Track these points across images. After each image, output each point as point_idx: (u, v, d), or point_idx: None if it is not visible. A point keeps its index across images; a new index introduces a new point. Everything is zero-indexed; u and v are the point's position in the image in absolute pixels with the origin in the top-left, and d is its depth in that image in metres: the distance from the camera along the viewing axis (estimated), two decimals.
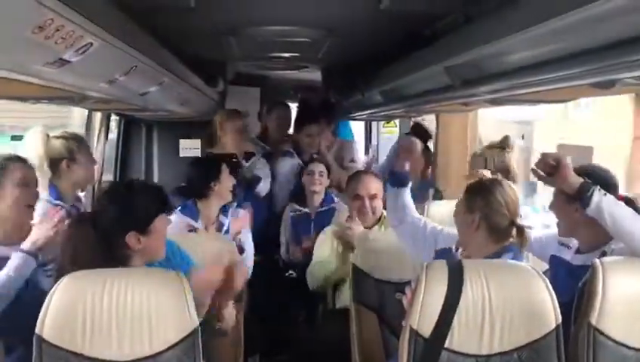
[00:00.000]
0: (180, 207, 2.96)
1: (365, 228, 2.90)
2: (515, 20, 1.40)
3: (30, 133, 2.50)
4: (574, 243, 2.06)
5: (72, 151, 2.55)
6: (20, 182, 2.06)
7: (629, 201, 1.94)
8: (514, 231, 2.03)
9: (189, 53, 2.69)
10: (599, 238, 1.95)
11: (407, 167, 2.41)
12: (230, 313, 1.96)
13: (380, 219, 2.95)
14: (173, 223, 2.91)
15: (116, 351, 1.65)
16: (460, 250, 2.16)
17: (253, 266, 3.02)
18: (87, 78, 1.66)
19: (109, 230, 1.79)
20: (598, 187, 1.87)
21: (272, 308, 3.36)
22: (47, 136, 2.50)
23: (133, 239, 1.79)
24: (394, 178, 2.42)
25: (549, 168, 1.93)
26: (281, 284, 3.49)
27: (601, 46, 1.23)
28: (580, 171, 1.94)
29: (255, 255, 3.13)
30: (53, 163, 2.50)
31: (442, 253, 2.21)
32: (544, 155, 1.95)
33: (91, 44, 1.27)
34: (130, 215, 1.80)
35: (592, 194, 1.85)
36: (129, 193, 1.85)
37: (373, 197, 2.92)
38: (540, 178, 1.98)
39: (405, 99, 2.55)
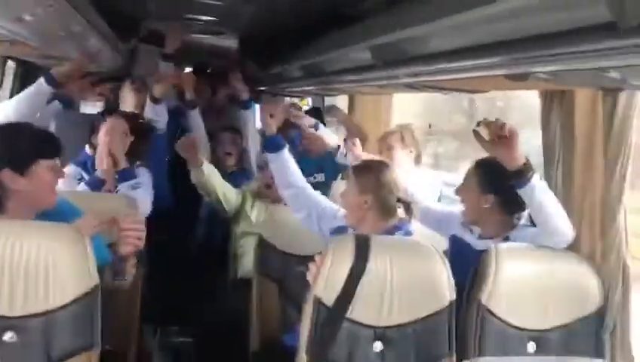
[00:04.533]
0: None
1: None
2: (437, 6, 1.44)
3: None
4: (475, 226, 2.15)
5: None
6: None
7: None
8: (400, 207, 2.13)
9: (105, 5, 2.55)
10: (502, 227, 2.07)
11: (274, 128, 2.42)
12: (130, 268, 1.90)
13: None
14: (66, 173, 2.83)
15: (7, 306, 1.56)
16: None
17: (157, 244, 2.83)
18: None
19: None
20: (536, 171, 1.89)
21: (171, 277, 3.29)
22: None
23: (7, 177, 1.72)
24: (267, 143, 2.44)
25: (496, 136, 1.88)
26: (181, 254, 3.44)
27: (516, 38, 1.30)
28: None
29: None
30: None
31: (339, 231, 2.26)
32: (497, 121, 1.90)
33: None
34: (7, 152, 1.75)
35: (531, 176, 1.87)
36: (10, 131, 1.81)
37: None
38: (481, 141, 1.93)
39: (325, 75, 2.57)
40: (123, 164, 2.80)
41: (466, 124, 6.39)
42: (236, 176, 3.54)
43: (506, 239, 2.03)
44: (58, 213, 1.85)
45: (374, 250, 1.79)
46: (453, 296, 1.83)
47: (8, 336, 1.55)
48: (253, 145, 3.58)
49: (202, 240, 3.50)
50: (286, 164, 2.41)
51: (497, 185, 2.03)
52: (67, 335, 1.60)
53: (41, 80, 2.64)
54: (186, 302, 3.19)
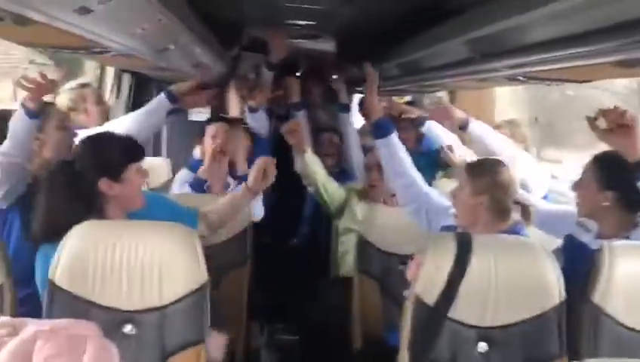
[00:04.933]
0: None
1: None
2: None
3: None
4: (593, 225, 2.01)
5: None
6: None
7: None
8: (517, 210, 2.01)
9: (206, 13, 2.68)
10: (622, 226, 1.93)
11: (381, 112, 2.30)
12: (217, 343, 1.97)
13: None
14: (179, 177, 3.02)
15: (126, 300, 1.68)
16: None
17: (263, 244, 3.00)
18: (109, 29, 1.67)
19: (82, 177, 1.82)
20: None
21: (276, 276, 3.39)
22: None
23: (105, 185, 1.84)
24: (375, 128, 2.31)
25: (615, 124, 1.78)
26: (285, 253, 3.53)
27: (626, 21, 1.22)
28: None
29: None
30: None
31: (448, 230, 2.15)
32: (616, 108, 1.79)
33: None
34: (102, 162, 1.85)
35: None
36: (101, 142, 1.91)
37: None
38: (597, 130, 1.83)
39: (424, 72, 2.55)
40: (243, 169, 2.98)
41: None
42: (336, 176, 3.56)
43: (627, 239, 1.89)
44: (147, 213, 1.96)
45: (477, 248, 1.75)
46: (563, 296, 1.74)
47: (128, 329, 1.68)
48: (353, 146, 3.58)
49: (306, 238, 3.56)
50: (395, 149, 2.29)
51: (617, 180, 1.90)
52: (179, 329, 1.70)
53: (162, 96, 2.78)
54: (291, 299, 3.27)
